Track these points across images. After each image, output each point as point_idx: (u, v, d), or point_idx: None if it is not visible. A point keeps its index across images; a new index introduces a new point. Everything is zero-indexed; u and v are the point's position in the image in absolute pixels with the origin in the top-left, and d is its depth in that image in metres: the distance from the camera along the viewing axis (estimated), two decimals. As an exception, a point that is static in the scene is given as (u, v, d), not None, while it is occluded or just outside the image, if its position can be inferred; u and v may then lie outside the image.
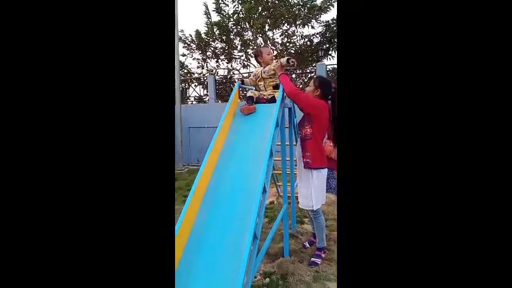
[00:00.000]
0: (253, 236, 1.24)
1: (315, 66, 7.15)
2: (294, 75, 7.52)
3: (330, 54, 9.72)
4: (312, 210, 2.03)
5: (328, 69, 7.02)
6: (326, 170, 2.03)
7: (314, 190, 1.97)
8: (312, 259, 2.06)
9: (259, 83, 2.14)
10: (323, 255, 2.10)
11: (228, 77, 8.88)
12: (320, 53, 7.65)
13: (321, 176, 2.00)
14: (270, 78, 2.09)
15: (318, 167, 1.97)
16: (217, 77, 8.55)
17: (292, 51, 10.00)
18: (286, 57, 2.00)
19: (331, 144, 2.71)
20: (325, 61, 8.96)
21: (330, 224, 2.70)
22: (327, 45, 9.28)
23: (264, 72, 2.09)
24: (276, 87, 2.09)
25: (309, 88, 2.03)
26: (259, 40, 9.78)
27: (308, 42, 9.70)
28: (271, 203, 3.63)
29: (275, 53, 9.66)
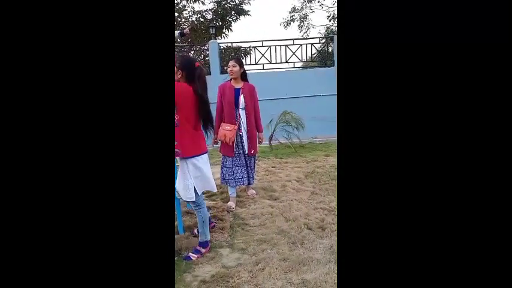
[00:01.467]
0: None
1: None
2: (190, 53, 7.28)
3: (224, 32, 9.77)
4: (193, 202, 1.88)
5: (221, 47, 7.07)
6: (204, 156, 1.87)
7: (194, 180, 1.83)
8: (189, 253, 1.90)
9: None
10: (203, 251, 1.92)
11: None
12: (212, 30, 7.58)
13: (198, 165, 1.83)
14: None
15: (192, 156, 1.81)
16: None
17: (185, 27, 9.59)
18: (178, 30, 1.85)
19: (227, 128, 2.54)
20: (219, 39, 8.97)
21: (225, 196, 2.87)
22: (220, 23, 9.26)
23: None
24: None
25: (176, 73, 1.81)
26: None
27: (201, 19, 9.46)
28: (169, 184, 3.57)
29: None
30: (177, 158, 1.85)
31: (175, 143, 1.77)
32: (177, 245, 2.00)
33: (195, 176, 1.83)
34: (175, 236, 2.12)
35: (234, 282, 1.64)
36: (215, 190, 2.02)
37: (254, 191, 2.92)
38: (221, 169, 2.78)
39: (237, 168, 2.69)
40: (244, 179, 2.74)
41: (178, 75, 1.77)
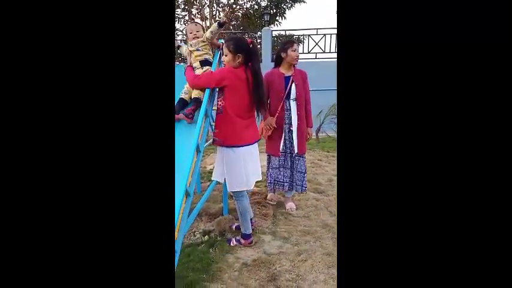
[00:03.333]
0: (185, 194, 1.26)
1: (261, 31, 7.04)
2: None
3: (277, 20, 9.64)
4: (233, 192, 1.81)
5: (273, 35, 6.98)
6: (243, 149, 1.71)
7: (227, 171, 1.74)
8: (232, 238, 1.92)
9: (192, 56, 1.87)
10: (242, 242, 1.87)
11: (171, 38, 8.28)
12: (266, 17, 7.51)
13: (232, 157, 1.70)
14: (196, 50, 1.82)
15: (230, 145, 1.70)
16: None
17: (240, 14, 9.66)
18: (215, 23, 1.77)
19: (269, 122, 2.18)
20: (272, 27, 8.86)
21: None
22: (274, 11, 9.14)
23: (190, 45, 1.85)
24: (205, 63, 1.82)
25: (228, 58, 1.65)
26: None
27: (256, 6, 9.42)
28: (215, 167, 3.68)
29: (219, 16, 9.22)
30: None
31: (215, 130, 1.72)
32: (221, 226, 2.06)
33: (229, 168, 1.73)
34: (220, 217, 2.17)
35: (276, 269, 1.64)
36: (250, 188, 1.81)
37: (294, 205, 2.40)
38: (267, 170, 2.40)
39: (282, 169, 2.34)
40: (286, 183, 2.33)
41: (237, 60, 1.62)
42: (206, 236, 2.00)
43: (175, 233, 1.16)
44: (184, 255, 1.75)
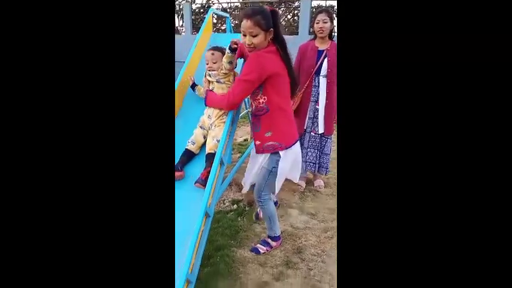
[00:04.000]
0: (219, 162, 1.30)
1: (299, 1, 6.69)
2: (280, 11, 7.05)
3: (317, -11, 9.06)
4: (258, 196, 1.53)
5: (313, 5, 6.61)
6: (296, 146, 1.48)
7: (283, 174, 1.47)
8: (257, 245, 1.63)
9: (211, 86, 1.55)
10: (273, 244, 1.64)
11: (206, 6, 8.16)
12: (306, -14, 7.08)
13: (289, 156, 1.44)
14: (217, 82, 1.52)
15: (289, 146, 1.42)
16: (193, 6, 7.82)
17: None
18: (227, 48, 1.44)
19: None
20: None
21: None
22: (315, -22, 8.57)
23: (209, 75, 1.54)
24: None
25: (259, 38, 1.27)
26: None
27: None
28: (246, 140, 3.73)
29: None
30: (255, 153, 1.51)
31: (269, 133, 1.39)
32: (249, 197, 2.11)
33: (282, 172, 1.45)
34: (246, 191, 2.22)
35: (301, 243, 1.67)
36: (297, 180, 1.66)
37: (322, 182, 2.36)
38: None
39: (307, 149, 2.23)
40: (315, 164, 2.25)
41: (269, 36, 1.29)
42: (235, 205, 2.08)
43: (209, 199, 1.22)
44: (214, 221, 1.84)
